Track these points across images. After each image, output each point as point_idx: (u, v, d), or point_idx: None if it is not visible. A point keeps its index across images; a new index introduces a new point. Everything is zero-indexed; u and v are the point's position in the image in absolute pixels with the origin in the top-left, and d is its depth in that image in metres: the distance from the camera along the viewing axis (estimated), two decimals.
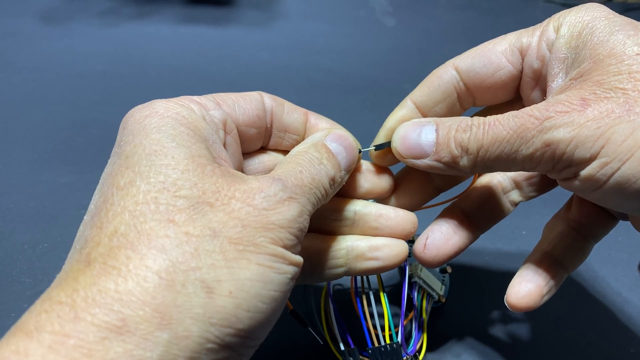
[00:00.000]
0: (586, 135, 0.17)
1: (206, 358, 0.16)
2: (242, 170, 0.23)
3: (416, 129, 0.22)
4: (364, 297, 0.27)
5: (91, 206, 0.18)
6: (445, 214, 0.26)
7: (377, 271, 0.24)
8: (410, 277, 0.30)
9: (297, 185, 0.19)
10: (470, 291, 0.33)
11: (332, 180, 0.22)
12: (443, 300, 0.31)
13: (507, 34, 0.24)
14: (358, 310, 0.27)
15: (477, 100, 0.25)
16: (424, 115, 0.25)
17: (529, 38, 0.23)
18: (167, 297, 0.15)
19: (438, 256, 0.24)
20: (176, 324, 0.15)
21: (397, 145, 0.23)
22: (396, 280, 0.33)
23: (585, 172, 0.18)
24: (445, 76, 0.24)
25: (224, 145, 0.21)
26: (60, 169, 0.42)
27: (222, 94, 0.23)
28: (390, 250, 0.23)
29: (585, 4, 0.21)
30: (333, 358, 0.28)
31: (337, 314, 0.27)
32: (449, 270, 0.33)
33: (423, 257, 0.24)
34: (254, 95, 0.23)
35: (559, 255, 0.24)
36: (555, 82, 0.21)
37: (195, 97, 0.21)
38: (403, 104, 0.25)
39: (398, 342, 0.26)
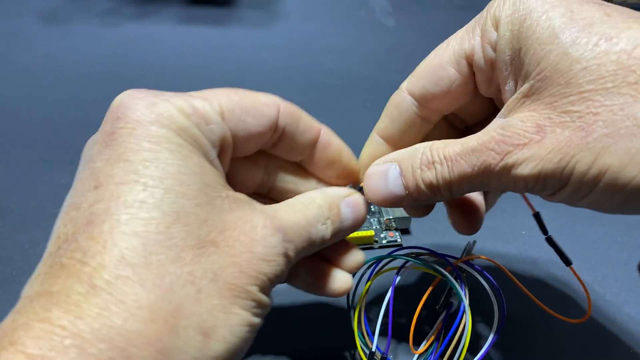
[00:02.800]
0: (551, 169, 0.17)
1: None
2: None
3: (381, 177, 0.22)
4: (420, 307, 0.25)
5: (84, 204, 0.16)
6: None
7: None
8: None
9: (293, 241, 0.20)
10: (470, 291, 0.33)
11: (323, 241, 0.22)
12: None
13: (450, 39, 0.22)
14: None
15: (444, 112, 0.24)
16: (395, 146, 0.24)
17: (471, 41, 0.21)
18: (170, 340, 0.15)
19: None
20: None
21: (371, 198, 0.23)
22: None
23: (559, 195, 0.18)
24: (402, 105, 0.24)
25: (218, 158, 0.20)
26: (60, 169, 0.42)
27: (237, 94, 0.20)
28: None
29: None
30: None
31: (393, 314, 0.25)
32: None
33: None
34: (267, 110, 0.21)
35: None
36: (508, 85, 0.20)
37: (199, 105, 0.19)
38: (371, 139, 0.25)
39: None
